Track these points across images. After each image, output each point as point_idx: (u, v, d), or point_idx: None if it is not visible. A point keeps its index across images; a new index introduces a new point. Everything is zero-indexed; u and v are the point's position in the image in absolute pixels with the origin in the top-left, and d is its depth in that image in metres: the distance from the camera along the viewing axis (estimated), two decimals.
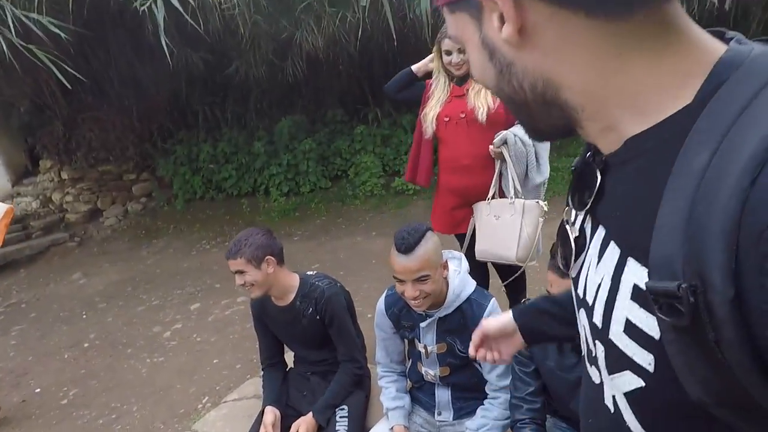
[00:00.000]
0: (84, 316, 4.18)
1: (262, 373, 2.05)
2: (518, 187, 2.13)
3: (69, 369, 3.18)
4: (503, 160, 2.14)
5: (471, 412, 1.65)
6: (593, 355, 0.54)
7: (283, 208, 6.44)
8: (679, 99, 0.39)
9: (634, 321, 0.43)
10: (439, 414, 1.70)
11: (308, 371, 2.05)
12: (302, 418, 1.80)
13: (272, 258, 1.78)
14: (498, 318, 0.99)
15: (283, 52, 5.52)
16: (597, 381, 0.55)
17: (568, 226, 0.56)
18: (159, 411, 2.56)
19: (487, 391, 1.61)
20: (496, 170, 2.17)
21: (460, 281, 1.60)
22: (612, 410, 0.52)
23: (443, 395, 1.69)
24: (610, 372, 0.50)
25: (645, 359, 0.43)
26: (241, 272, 1.76)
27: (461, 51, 2.08)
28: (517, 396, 1.50)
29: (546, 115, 0.48)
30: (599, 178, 0.48)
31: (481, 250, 2.20)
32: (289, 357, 2.14)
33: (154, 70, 6.10)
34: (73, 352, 3.47)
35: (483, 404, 1.60)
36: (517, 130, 2.10)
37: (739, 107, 0.35)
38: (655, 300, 0.37)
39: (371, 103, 6.93)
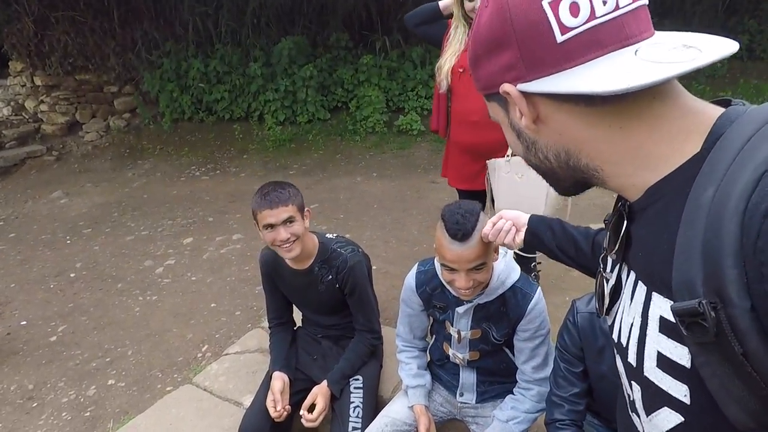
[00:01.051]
0: (68, 241, 3.96)
1: (269, 330, 1.93)
2: None
3: (56, 301, 3.01)
4: None
5: (495, 396, 1.60)
6: (631, 399, 0.57)
7: (278, 138, 6.09)
8: (686, 152, 0.46)
9: (664, 353, 0.47)
10: (461, 395, 1.63)
11: (319, 334, 1.95)
12: (318, 387, 1.71)
13: (308, 210, 1.67)
14: (517, 212, 1.20)
15: None
16: (640, 429, 0.57)
17: (605, 273, 0.62)
18: (156, 357, 2.45)
19: (519, 380, 1.54)
20: None
21: (505, 267, 1.46)
22: None
23: (468, 377, 1.61)
24: (648, 412, 0.52)
25: (680, 391, 0.46)
26: (290, 221, 1.59)
27: None
28: (560, 395, 1.41)
29: (571, 177, 0.55)
30: (626, 223, 0.54)
31: (503, 208, 2.11)
32: (297, 315, 2.03)
33: None
34: (59, 282, 3.28)
35: (513, 394, 1.54)
36: None
37: (737, 148, 0.42)
38: (682, 321, 0.41)
39: (379, 30, 6.38)
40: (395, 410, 1.64)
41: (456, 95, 2.23)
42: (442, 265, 1.36)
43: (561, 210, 2.20)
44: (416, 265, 1.63)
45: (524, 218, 1.18)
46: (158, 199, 4.83)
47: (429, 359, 1.74)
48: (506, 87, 0.51)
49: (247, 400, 1.89)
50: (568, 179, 0.56)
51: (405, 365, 1.68)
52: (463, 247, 1.28)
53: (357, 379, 1.75)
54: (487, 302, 1.45)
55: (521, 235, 1.18)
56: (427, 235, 3.58)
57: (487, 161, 2.21)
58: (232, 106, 6.31)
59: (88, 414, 2.12)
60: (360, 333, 1.81)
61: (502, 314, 1.46)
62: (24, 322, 2.78)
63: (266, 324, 2.04)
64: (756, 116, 0.44)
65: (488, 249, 1.30)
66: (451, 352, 1.59)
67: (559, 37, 0.46)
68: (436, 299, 1.55)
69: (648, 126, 0.47)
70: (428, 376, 1.68)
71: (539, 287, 1.49)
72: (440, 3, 2.24)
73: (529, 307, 1.43)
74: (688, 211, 0.43)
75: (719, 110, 0.47)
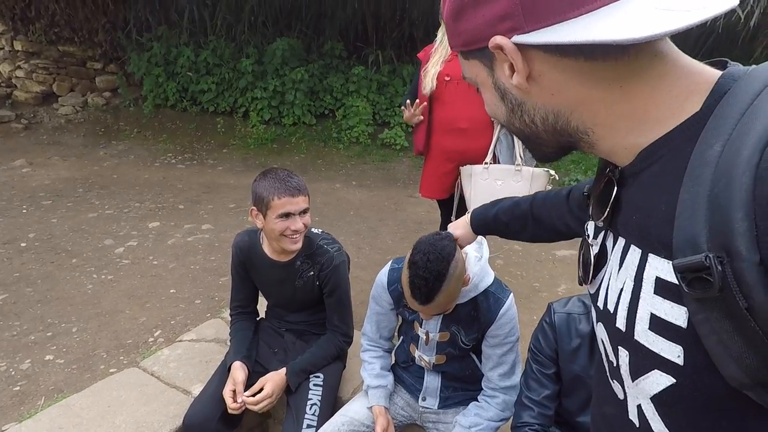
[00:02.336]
0: (24, 211, 3.74)
1: (230, 319, 1.84)
2: (521, 153, 2.10)
3: (1, 268, 2.81)
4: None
5: (457, 403, 1.56)
6: (615, 365, 0.55)
7: (261, 136, 6.01)
8: (684, 112, 0.45)
9: (659, 314, 0.46)
10: (424, 400, 1.59)
11: (283, 327, 1.87)
12: (272, 373, 1.63)
13: None
14: (460, 222, 1.23)
15: None
16: (621, 396, 0.56)
17: (589, 240, 0.61)
18: (102, 337, 2.30)
19: (484, 388, 1.50)
20: (495, 135, 2.12)
21: (480, 270, 1.43)
22: (638, 424, 0.53)
23: (432, 382, 1.57)
24: (635, 377, 0.51)
25: (673, 352, 0.45)
26: (306, 211, 1.54)
27: None
28: (531, 397, 1.39)
29: (555, 141, 0.53)
30: (615, 188, 0.52)
31: None
32: (261, 306, 1.94)
33: None
34: (7, 249, 3.07)
35: (478, 401, 1.50)
36: None
37: (745, 105, 0.41)
38: (683, 278, 0.40)
39: (373, 44, 6.46)
40: (354, 410, 1.58)
41: (440, 103, 2.21)
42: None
43: None
44: (390, 262, 1.59)
45: (465, 220, 1.22)
46: (128, 181, 4.65)
47: (393, 361, 1.69)
48: (498, 40, 0.46)
49: (197, 389, 1.78)
50: (552, 144, 0.53)
51: (368, 365, 1.62)
52: (425, 307, 1.27)
53: (318, 377, 1.68)
54: (458, 305, 1.41)
55: (460, 232, 1.22)
56: (401, 245, 3.55)
57: (460, 167, 2.21)
58: (218, 99, 6.21)
59: (18, 388, 1.96)
60: (332, 333, 1.74)
61: (472, 318, 1.43)
62: None
63: (227, 315, 1.95)
64: (761, 73, 0.43)
65: (454, 298, 1.29)
66: (417, 354, 1.55)
67: None
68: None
69: (649, 86, 0.45)
70: (391, 378, 1.62)
71: (512, 293, 1.47)
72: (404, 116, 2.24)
73: (501, 311, 1.40)
74: (692, 167, 0.42)
75: (718, 72, 0.46)
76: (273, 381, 1.58)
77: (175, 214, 3.91)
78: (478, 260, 1.44)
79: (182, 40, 6.13)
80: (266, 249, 1.68)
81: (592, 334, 1.28)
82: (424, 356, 1.53)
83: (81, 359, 2.15)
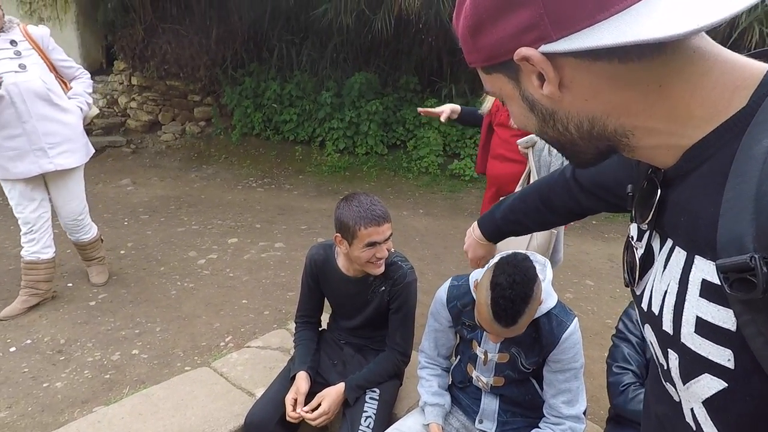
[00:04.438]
0: (125, 223, 4.21)
1: (295, 326, 1.91)
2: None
3: None
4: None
5: (515, 429, 1.50)
6: (666, 368, 0.53)
7: (335, 164, 6.30)
8: (731, 108, 0.43)
9: (705, 318, 0.44)
10: (480, 422, 1.54)
11: (343, 340, 1.91)
12: (331, 388, 1.65)
13: None
14: (468, 239, 1.21)
15: (376, 5, 5.25)
16: (676, 398, 0.54)
17: (633, 242, 0.59)
18: (181, 338, 2.50)
19: (547, 415, 1.43)
20: (525, 169, 2.15)
21: (543, 292, 1.38)
22: (694, 428, 0.51)
23: (490, 404, 1.52)
24: (686, 380, 0.49)
25: (723, 356, 0.43)
26: (389, 237, 1.58)
27: None
28: (622, 366, 1.47)
29: (593, 147, 0.50)
30: (659, 190, 0.50)
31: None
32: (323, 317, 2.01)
33: None
34: (109, 255, 3.46)
35: (540, 427, 1.43)
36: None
37: None
38: (726, 278, 0.39)
39: (447, 78, 6.60)
40: (408, 425, 1.56)
41: (495, 129, 2.32)
42: (480, 325, 1.33)
43: (546, 245, 2.15)
44: (450, 279, 1.59)
45: (474, 236, 1.20)
46: (213, 201, 5.07)
47: (450, 382, 1.66)
48: (525, 51, 0.44)
49: (259, 392, 1.87)
50: (590, 150, 0.51)
51: (425, 382, 1.61)
52: (506, 330, 1.24)
53: (374, 391, 1.69)
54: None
55: (482, 251, 1.20)
56: (464, 273, 3.50)
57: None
58: (298, 128, 6.64)
59: (108, 376, 2.17)
60: (392, 351, 1.74)
61: (533, 340, 1.39)
62: (70, 284, 2.93)
63: (292, 326, 2.03)
64: None
65: (532, 319, 1.27)
66: (474, 374, 1.52)
67: None
68: (465, 316, 1.50)
69: (690, 84, 0.43)
70: (448, 397, 1.60)
71: (576, 317, 1.41)
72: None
73: (564, 336, 1.35)
74: (738, 163, 0.40)
75: (765, 65, 0.43)
76: (330, 397, 1.61)
77: (252, 232, 4.18)
78: (542, 281, 1.42)
79: (270, 75, 6.68)
80: (340, 264, 1.72)
81: None
82: (481, 377, 1.49)
83: (161, 356, 2.34)
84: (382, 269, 1.61)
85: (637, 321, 1.41)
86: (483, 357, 1.46)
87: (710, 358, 0.44)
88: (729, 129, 0.43)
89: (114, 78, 7.11)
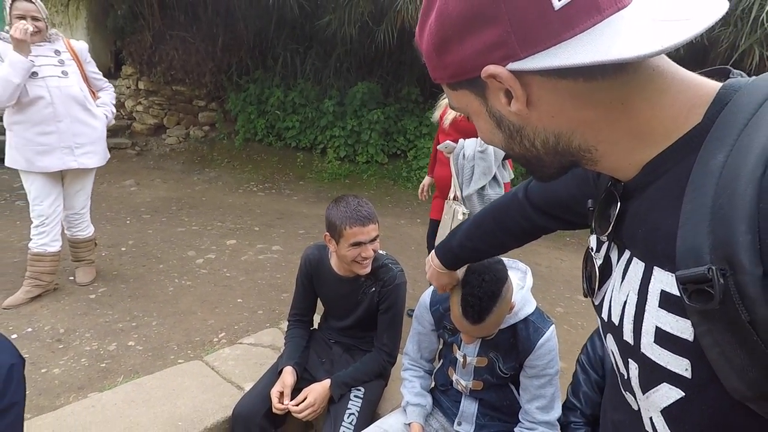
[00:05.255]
0: (127, 222, 4.29)
1: (287, 324, 1.97)
2: (458, 193, 2.37)
3: (103, 266, 3.24)
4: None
5: None
6: (626, 378, 0.54)
7: (335, 172, 6.39)
8: (687, 124, 0.44)
9: (664, 328, 0.45)
10: (459, 425, 1.57)
11: (332, 339, 1.96)
12: (316, 384, 1.70)
13: None
14: (429, 263, 1.17)
15: (379, 17, 5.38)
16: (635, 407, 0.55)
17: (592, 253, 0.60)
18: (176, 332, 2.56)
19: (522, 420, 1.47)
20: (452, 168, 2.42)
21: (521, 298, 1.44)
22: None
23: (469, 407, 1.56)
24: (645, 390, 0.50)
25: (680, 365, 0.44)
26: (375, 239, 1.63)
27: None
28: (575, 403, 1.44)
29: (557, 162, 0.51)
30: (619, 202, 0.52)
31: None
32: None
33: (249, 4, 6.10)
34: (110, 251, 3.55)
35: None
36: (469, 144, 2.32)
37: (747, 115, 0.40)
38: (685, 289, 0.39)
39: None
40: (389, 423, 1.60)
41: (442, 135, 2.58)
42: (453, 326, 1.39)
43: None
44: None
45: (433, 265, 1.16)
46: (214, 203, 5.16)
47: (433, 384, 1.70)
48: (492, 69, 0.44)
49: (249, 386, 1.92)
50: (554, 165, 0.52)
51: (408, 383, 1.65)
52: (474, 327, 1.28)
53: (359, 389, 1.73)
54: (498, 330, 1.42)
55: (445, 279, 1.19)
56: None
57: (447, 203, 2.52)
58: (300, 135, 6.75)
59: (104, 365, 2.23)
60: (378, 351, 1.79)
61: (511, 345, 1.43)
62: (71, 278, 3.00)
63: (284, 326, 2.08)
64: (763, 84, 0.42)
65: (500, 322, 1.30)
66: (454, 377, 1.56)
67: (557, 3, 0.41)
68: (447, 320, 1.54)
69: (650, 102, 0.44)
70: (429, 399, 1.64)
71: (553, 324, 1.44)
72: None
73: (540, 341, 1.39)
74: (695, 177, 0.41)
75: (718, 83, 0.45)
76: (316, 391, 1.66)
77: (251, 235, 4.26)
78: (520, 288, 1.45)
79: (275, 82, 6.81)
80: (333, 265, 1.78)
81: None
82: (461, 380, 1.53)
83: (156, 348, 2.41)
84: (368, 269, 1.66)
85: (597, 355, 1.41)
86: (462, 360, 1.50)
87: (669, 367, 0.45)
88: (686, 144, 0.44)
89: (122, 82, 7.25)
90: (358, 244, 1.59)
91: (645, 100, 0.45)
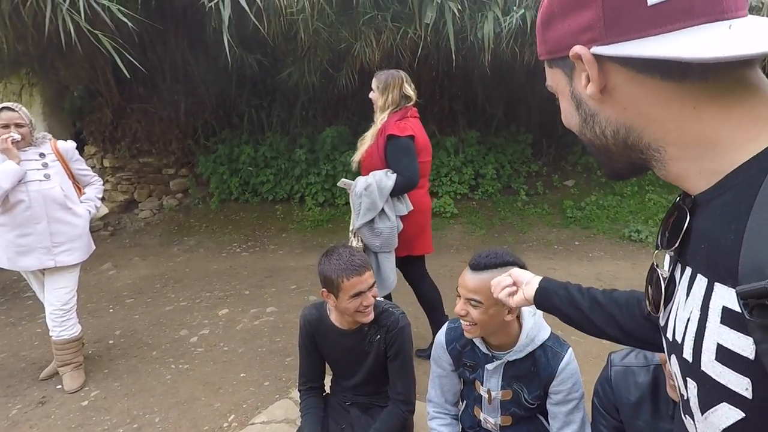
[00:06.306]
0: (111, 310, 4.09)
1: (300, 395, 1.87)
2: (353, 225, 2.51)
3: (92, 366, 3.04)
4: None
5: None
6: (686, 399, 0.53)
7: (316, 218, 6.32)
8: (760, 141, 0.44)
9: (725, 345, 0.44)
10: None
11: (348, 401, 1.88)
12: None
13: None
14: (528, 275, 1.11)
15: (338, 63, 5.46)
16: (693, 431, 0.53)
17: (659, 270, 0.59)
18: (182, 425, 2.39)
19: None
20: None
21: (534, 324, 1.44)
22: None
23: None
24: (704, 410, 0.49)
25: (741, 384, 0.43)
26: (373, 285, 1.62)
27: (371, 90, 2.65)
28: None
29: (626, 157, 0.53)
30: (688, 218, 0.51)
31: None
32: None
33: (208, 68, 6.12)
34: (97, 348, 3.34)
35: None
36: (363, 182, 2.42)
37: None
38: (746, 304, 0.39)
39: None
40: None
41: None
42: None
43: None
44: (447, 322, 1.62)
45: (528, 278, 1.11)
46: (199, 272, 5.00)
47: (460, 428, 1.65)
48: (578, 49, 0.48)
49: None
50: (623, 159, 0.54)
51: None
52: (469, 274, 1.36)
53: None
54: (516, 360, 1.42)
55: (521, 294, 1.09)
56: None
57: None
58: (276, 188, 6.69)
59: None
60: (394, 403, 1.73)
61: (532, 374, 1.42)
62: (59, 386, 2.80)
63: (294, 394, 1.98)
64: None
65: (488, 294, 1.29)
66: (482, 416, 1.53)
67: (651, 0, 0.44)
68: (466, 357, 1.53)
69: (724, 110, 0.45)
70: None
71: (570, 347, 1.44)
72: None
73: (560, 366, 1.39)
74: (762, 195, 0.41)
75: None
76: None
77: (242, 300, 4.11)
78: (532, 315, 1.46)
79: (243, 139, 6.79)
80: (334, 320, 1.75)
81: (654, 388, 1.23)
82: (489, 418, 1.50)
83: None
84: (371, 317, 1.64)
85: (609, 400, 1.37)
86: (487, 396, 1.47)
87: (729, 386, 0.44)
88: (758, 161, 0.44)
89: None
90: (358, 294, 1.57)
91: (717, 107, 0.45)
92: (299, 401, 1.86)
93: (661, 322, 0.59)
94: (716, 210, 0.47)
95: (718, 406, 0.46)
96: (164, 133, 6.77)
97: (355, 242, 2.53)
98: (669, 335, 0.56)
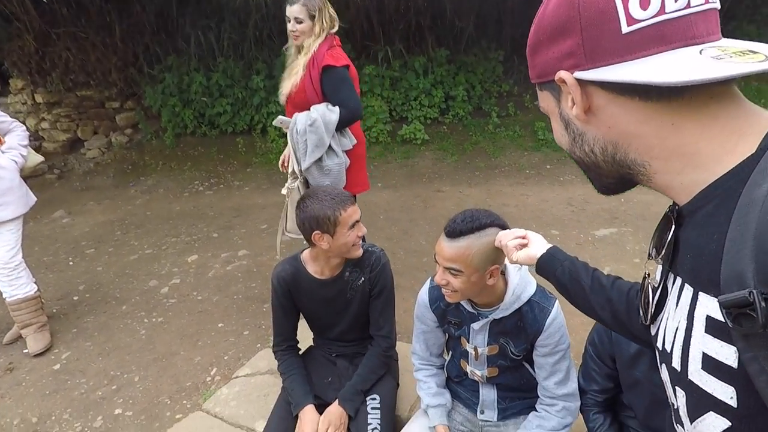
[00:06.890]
0: (70, 263, 3.88)
1: (276, 356, 1.83)
2: (295, 167, 2.32)
3: (59, 326, 2.92)
4: None
5: (516, 413, 1.56)
6: (675, 407, 0.55)
7: (281, 150, 6.00)
8: (739, 152, 0.46)
9: (710, 354, 0.46)
10: (482, 413, 1.58)
11: (334, 353, 1.88)
12: (329, 409, 1.63)
13: None
14: (539, 238, 1.12)
15: None
16: None
17: (648, 280, 0.62)
18: (164, 382, 2.36)
19: (542, 397, 1.48)
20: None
21: (520, 280, 1.42)
22: None
23: (488, 394, 1.56)
24: (693, 419, 0.50)
25: (726, 393, 0.45)
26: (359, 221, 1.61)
27: (298, 22, 2.24)
28: (585, 389, 1.48)
29: (615, 172, 0.56)
30: (673, 228, 0.54)
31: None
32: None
33: None
34: (62, 305, 3.19)
35: (537, 410, 1.48)
36: (300, 118, 2.21)
37: None
38: (729, 314, 0.40)
39: (381, 40, 6.34)
40: (414, 430, 1.58)
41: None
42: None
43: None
44: (428, 280, 1.57)
45: (538, 240, 1.12)
46: (162, 215, 4.76)
47: (447, 376, 1.68)
48: (562, 74, 0.51)
49: (260, 426, 1.82)
50: (612, 174, 0.56)
51: (423, 384, 1.62)
52: (446, 242, 1.29)
53: (374, 399, 1.69)
54: (503, 317, 1.40)
55: (526, 251, 1.09)
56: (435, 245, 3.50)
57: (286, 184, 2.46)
58: (234, 119, 6.27)
59: None
60: (376, 342, 1.74)
61: (519, 329, 1.42)
62: (26, 350, 2.68)
63: None
64: None
65: (469, 261, 1.26)
66: (469, 369, 1.54)
67: (625, 28, 0.47)
68: (450, 315, 1.51)
69: (700, 125, 0.47)
70: (448, 395, 1.63)
71: (557, 300, 1.42)
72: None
73: (548, 321, 1.38)
74: (740, 205, 0.43)
75: None
76: (327, 418, 1.60)
77: (211, 244, 3.97)
78: (517, 270, 1.42)
79: (192, 66, 6.19)
80: (312, 270, 1.69)
81: None
82: (476, 371, 1.52)
83: (147, 409, 2.21)
84: (361, 250, 1.65)
85: (605, 347, 1.41)
86: (474, 352, 1.48)
87: (715, 395, 0.46)
88: (736, 173, 0.46)
89: (14, 99, 6.39)
90: (354, 224, 1.58)
91: (695, 122, 0.47)
92: (277, 361, 1.82)
93: (653, 331, 0.61)
94: (700, 221, 0.49)
95: (705, 415, 0.48)
96: (100, 62, 6.07)
97: (292, 185, 2.37)
98: (659, 344, 0.57)
